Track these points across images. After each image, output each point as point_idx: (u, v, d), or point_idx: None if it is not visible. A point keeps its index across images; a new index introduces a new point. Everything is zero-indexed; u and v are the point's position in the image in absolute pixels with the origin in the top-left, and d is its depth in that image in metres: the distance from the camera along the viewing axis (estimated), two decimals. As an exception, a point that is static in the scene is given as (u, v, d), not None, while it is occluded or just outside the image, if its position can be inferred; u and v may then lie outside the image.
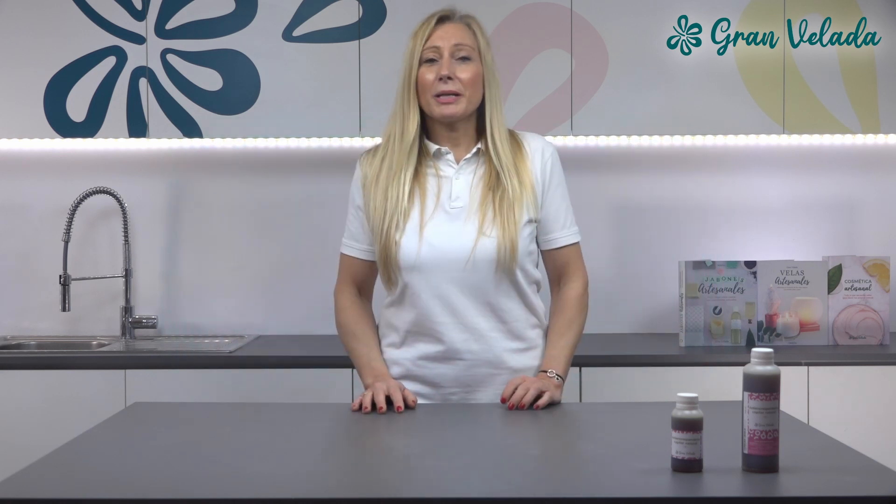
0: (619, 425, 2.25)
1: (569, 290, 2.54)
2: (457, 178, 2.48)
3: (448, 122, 2.48)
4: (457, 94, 2.44)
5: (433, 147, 2.49)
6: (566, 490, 1.76)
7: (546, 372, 2.45)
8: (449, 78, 2.43)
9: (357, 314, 2.56)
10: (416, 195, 2.46)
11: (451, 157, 2.49)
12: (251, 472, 1.84)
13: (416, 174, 2.47)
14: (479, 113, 2.51)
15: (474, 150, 2.49)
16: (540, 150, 2.53)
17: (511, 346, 2.49)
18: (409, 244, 2.43)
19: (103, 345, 3.73)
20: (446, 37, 2.45)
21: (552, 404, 2.37)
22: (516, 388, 2.37)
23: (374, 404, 2.33)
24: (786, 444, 1.85)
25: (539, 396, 2.35)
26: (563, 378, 2.46)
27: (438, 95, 2.43)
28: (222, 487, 1.77)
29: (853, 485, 1.75)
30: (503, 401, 2.37)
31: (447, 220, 2.45)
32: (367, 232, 2.53)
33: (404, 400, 2.34)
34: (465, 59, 2.45)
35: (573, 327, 2.51)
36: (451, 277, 2.43)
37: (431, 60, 2.45)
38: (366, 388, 2.44)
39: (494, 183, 2.46)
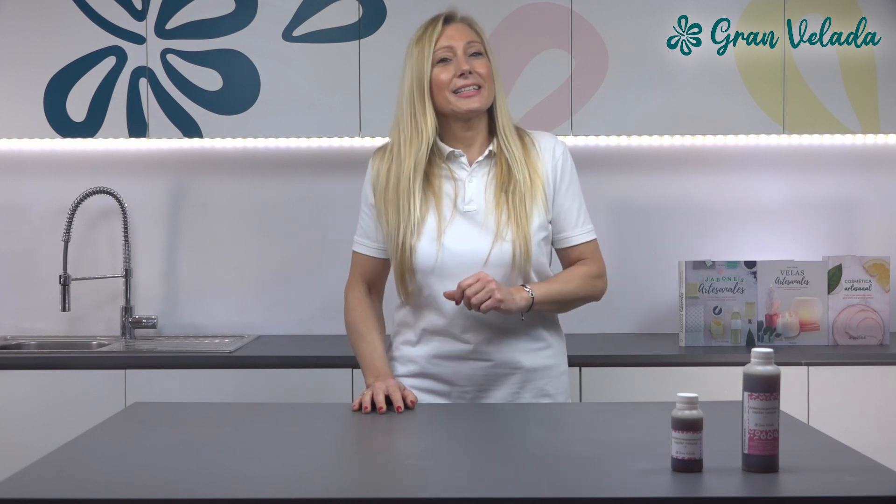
0: (619, 425, 2.25)
1: (580, 266, 2.54)
2: (469, 181, 2.48)
3: (466, 119, 2.47)
4: (478, 87, 2.45)
5: (447, 149, 2.49)
6: (566, 490, 1.76)
7: (524, 286, 2.41)
8: (469, 72, 2.44)
9: (364, 313, 2.55)
10: (430, 199, 2.46)
11: (464, 159, 2.50)
12: (251, 472, 1.84)
13: (428, 177, 2.47)
14: (489, 111, 2.51)
15: (486, 152, 2.50)
16: (551, 149, 2.53)
17: (527, 346, 2.50)
18: (428, 249, 2.43)
19: (103, 345, 3.73)
20: (457, 35, 2.47)
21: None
22: (478, 281, 2.30)
23: (374, 404, 2.33)
24: (786, 444, 1.85)
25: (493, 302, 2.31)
26: (535, 300, 2.39)
27: (458, 91, 2.44)
28: (222, 487, 1.77)
29: (853, 485, 1.75)
30: (459, 289, 2.30)
31: (463, 223, 2.45)
32: (379, 229, 2.52)
33: (404, 400, 2.34)
34: (477, 54, 2.48)
35: (570, 283, 2.49)
36: None
37: (445, 60, 2.45)
38: (367, 387, 2.44)
39: (506, 180, 2.46)
